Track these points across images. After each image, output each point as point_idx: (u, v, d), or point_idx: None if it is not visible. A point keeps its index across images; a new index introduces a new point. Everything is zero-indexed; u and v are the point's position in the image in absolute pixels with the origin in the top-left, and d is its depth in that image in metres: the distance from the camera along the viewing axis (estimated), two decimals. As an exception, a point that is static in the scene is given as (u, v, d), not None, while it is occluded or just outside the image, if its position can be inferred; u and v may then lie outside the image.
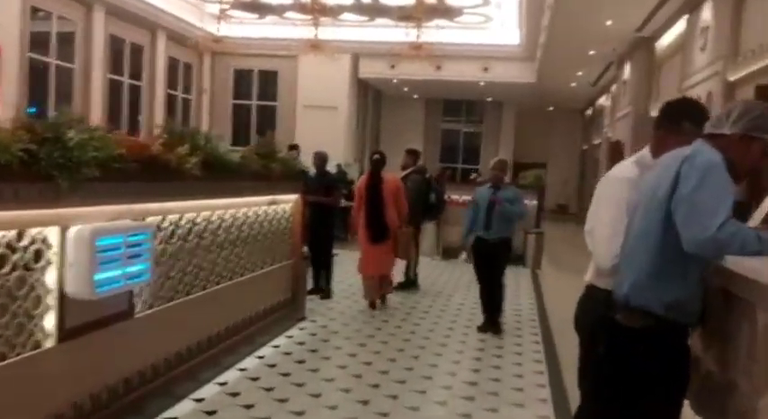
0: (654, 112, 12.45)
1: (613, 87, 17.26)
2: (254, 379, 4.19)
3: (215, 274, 4.24)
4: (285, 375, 4.33)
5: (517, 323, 6.29)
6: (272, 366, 4.51)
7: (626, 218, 2.26)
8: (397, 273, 7.50)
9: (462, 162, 24.89)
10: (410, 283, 7.34)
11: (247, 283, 4.69)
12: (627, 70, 14.23)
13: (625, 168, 2.49)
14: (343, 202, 11.65)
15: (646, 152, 2.47)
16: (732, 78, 8.09)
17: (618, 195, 2.34)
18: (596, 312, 2.37)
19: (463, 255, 7.58)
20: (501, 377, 4.51)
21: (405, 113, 24.51)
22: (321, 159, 7.04)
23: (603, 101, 19.83)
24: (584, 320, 2.44)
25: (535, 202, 9.79)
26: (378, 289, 6.51)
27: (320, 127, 19.99)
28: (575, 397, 3.90)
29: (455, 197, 10.09)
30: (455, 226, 9.96)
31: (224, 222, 4.26)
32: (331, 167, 18.02)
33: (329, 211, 6.91)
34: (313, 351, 4.91)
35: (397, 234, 6.48)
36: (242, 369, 4.35)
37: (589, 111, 23.60)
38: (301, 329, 5.45)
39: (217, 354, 4.21)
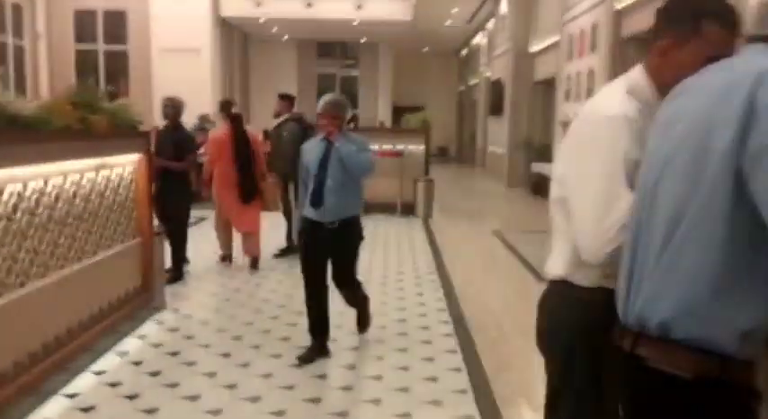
0: (535, 48, 12.16)
1: (489, 24, 16.84)
2: (86, 410, 3.08)
3: (37, 265, 3.06)
4: (132, 398, 3.26)
5: (417, 281, 5.59)
6: (115, 385, 3.42)
7: (625, 183, 1.44)
8: (280, 238, 6.53)
9: (340, 107, 23.80)
10: (291, 249, 6.37)
11: (80, 274, 3.52)
12: (504, 4, 13.72)
13: (614, 100, 1.56)
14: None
15: (639, 76, 1.58)
16: (620, 5, 7.65)
17: (610, 145, 1.47)
18: (579, 323, 1.57)
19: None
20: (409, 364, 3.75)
21: (275, 57, 22.84)
22: (174, 107, 5.55)
23: (479, 39, 19.45)
24: (558, 336, 1.63)
25: (422, 148, 9.07)
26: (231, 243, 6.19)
27: (180, 73, 17.98)
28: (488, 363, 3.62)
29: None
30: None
31: (41, 196, 3.05)
32: (193, 118, 16.57)
33: (181, 177, 5.44)
34: (173, 354, 3.83)
35: (263, 187, 6.05)
36: (70, 396, 3.22)
37: (464, 52, 23.25)
38: (159, 324, 4.34)
39: (38, 377, 3.07)
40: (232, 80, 20.73)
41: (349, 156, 3.66)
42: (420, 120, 9.57)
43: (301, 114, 6.74)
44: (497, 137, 13.98)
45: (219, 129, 6.21)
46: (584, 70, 8.67)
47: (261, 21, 19.07)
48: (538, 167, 11.32)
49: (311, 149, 3.85)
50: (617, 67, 7.71)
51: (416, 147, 9.15)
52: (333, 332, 3.93)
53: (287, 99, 6.59)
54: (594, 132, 1.54)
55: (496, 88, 13.91)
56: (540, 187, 11.88)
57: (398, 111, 21.98)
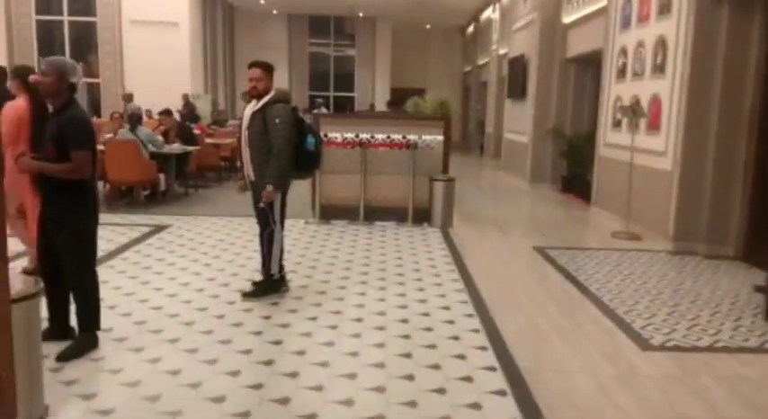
0: (566, 17, 10.25)
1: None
2: None
3: None
4: None
5: (451, 329, 3.76)
6: None
7: None
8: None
9: (335, 89, 21.84)
10: (269, 283, 4.49)
11: None
12: (528, -31, 11.74)
13: None
14: (178, 148, 8.46)
15: None
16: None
17: None
18: None
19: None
20: None
21: (264, 33, 20.80)
22: (55, 70, 3.24)
23: (490, 13, 17.48)
24: None
25: (440, 139, 7.20)
26: None
27: (156, 48, 15.99)
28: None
29: (334, 135, 7.22)
30: (334, 174, 7.18)
31: None
32: (175, 97, 14.53)
33: (66, 187, 3.23)
34: None
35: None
36: None
37: (471, 29, 21.26)
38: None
39: None
40: (215, 57, 18.68)
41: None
42: (436, 104, 7.65)
43: (286, 93, 4.75)
44: (517, 123, 12.08)
45: (17, 102, 4.40)
46: (650, 40, 6.78)
47: (246, -10, 17.06)
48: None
49: None
50: (704, 34, 5.83)
51: (433, 138, 7.26)
52: None
53: (268, 70, 4.52)
54: None
55: (517, 67, 11.99)
56: (571, 185, 10.04)
57: (396, 94, 20.11)
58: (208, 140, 10.54)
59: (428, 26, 22.44)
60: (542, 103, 10.73)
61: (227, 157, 10.48)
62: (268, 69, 4.18)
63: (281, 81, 21.04)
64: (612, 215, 7.48)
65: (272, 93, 4.13)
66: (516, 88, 11.93)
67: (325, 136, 7.19)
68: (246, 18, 20.45)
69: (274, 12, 20.15)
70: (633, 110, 6.63)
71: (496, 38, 16.35)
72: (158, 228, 6.69)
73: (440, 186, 7.09)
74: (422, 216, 7.22)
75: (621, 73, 7.57)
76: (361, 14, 20.35)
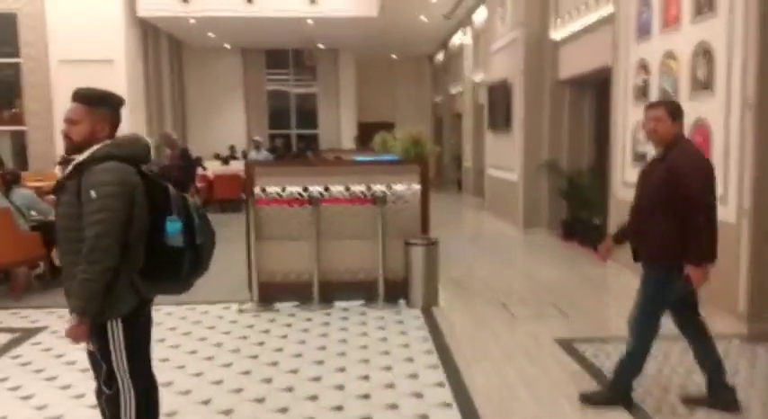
0: (556, 33, 8.65)
1: (477, 15, 13.40)
2: None
3: None
4: None
5: None
6: None
7: None
8: None
9: (297, 126, 20.09)
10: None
11: None
12: (505, -18, 10.23)
13: None
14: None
15: None
16: None
17: None
18: None
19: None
20: None
21: (217, 69, 19.05)
22: None
23: (461, 38, 16.01)
24: None
25: (417, 188, 5.43)
26: None
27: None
28: None
29: (273, 190, 5.38)
30: (276, 241, 5.35)
31: None
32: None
33: None
34: None
35: None
36: None
37: (440, 56, 19.82)
38: None
39: None
40: (160, 96, 16.83)
41: None
42: (409, 143, 5.86)
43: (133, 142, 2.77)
44: (503, 158, 10.41)
45: None
46: (686, 49, 5.16)
47: (191, 22, 15.31)
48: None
49: None
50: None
51: (406, 188, 5.47)
52: None
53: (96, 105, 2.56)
54: None
55: (498, 94, 10.39)
56: (574, 230, 8.34)
57: (364, 129, 18.46)
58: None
59: (394, 56, 21.00)
60: (532, 134, 9.08)
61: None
62: (95, 103, 2.30)
63: (237, 119, 19.25)
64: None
65: (96, 147, 2.27)
66: (499, 118, 10.29)
67: (263, 191, 5.37)
68: (197, 53, 18.75)
69: (227, 46, 18.47)
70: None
71: (470, 64, 14.85)
72: (27, 334, 4.74)
73: (419, 252, 5.28)
74: (396, 291, 5.39)
75: (642, 93, 5.93)
76: (321, 46, 18.79)
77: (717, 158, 4.76)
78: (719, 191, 4.72)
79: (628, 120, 6.26)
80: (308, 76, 20.03)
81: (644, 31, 5.87)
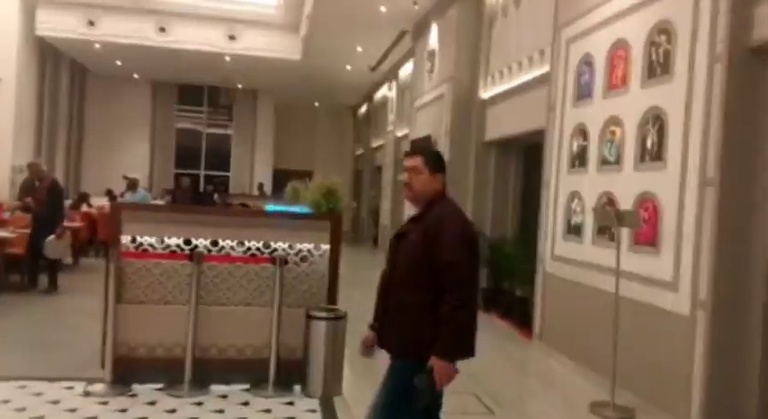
0: (485, 92, 8.22)
1: (404, 70, 13.01)
2: None
3: None
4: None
5: None
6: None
7: None
8: None
9: (206, 167, 18.83)
10: None
11: None
12: (433, 34, 9.85)
13: None
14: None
15: None
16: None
17: None
18: None
19: None
20: None
21: (124, 100, 17.62)
22: None
23: (386, 92, 15.61)
24: None
25: (325, 247, 4.53)
26: None
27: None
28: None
29: (144, 240, 4.32)
30: (140, 304, 4.27)
31: None
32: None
33: None
34: None
35: None
36: None
37: (363, 109, 19.38)
38: None
39: None
40: (54, 122, 15.20)
41: None
42: (320, 194, 5.00)
43: None
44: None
45: None
46: (633, 114, 4.68)
47: (97, 47, 14.04)
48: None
49: None
50: (740, 102, 3.74)
51: (313, 247, 4.57)
52: None
53: None
54: None
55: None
56: (496, 301, 7.67)
57: (279, 176, 17.49)
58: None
59: (316, 104, 20.38)
60: (455, 195, 8.45)
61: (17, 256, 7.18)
62: None
63: (139, 155, 17.76)
64: (569, 360, 5.12)
65: None
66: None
67: (133, 241, 4.30)
68: (102, 82, 17.31)
69: (135, 76, 17.18)
70: (618, 215, 4.34)
71: (393, 118, 14.38)
72: None
73: (321, 328, 4.33)
74: (291, 374, 4.40)
75: (579, 160, 5.41)
76: (239, 86, 17.89)
77: (666, 238, 4.20)
78: (668, 274, 4.16)
79: (560, 187, 5.71)
80: (224, 116, 18.97)
81: (584, 93, 5.40)
